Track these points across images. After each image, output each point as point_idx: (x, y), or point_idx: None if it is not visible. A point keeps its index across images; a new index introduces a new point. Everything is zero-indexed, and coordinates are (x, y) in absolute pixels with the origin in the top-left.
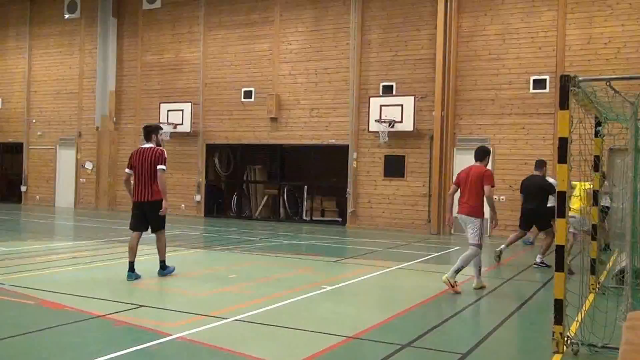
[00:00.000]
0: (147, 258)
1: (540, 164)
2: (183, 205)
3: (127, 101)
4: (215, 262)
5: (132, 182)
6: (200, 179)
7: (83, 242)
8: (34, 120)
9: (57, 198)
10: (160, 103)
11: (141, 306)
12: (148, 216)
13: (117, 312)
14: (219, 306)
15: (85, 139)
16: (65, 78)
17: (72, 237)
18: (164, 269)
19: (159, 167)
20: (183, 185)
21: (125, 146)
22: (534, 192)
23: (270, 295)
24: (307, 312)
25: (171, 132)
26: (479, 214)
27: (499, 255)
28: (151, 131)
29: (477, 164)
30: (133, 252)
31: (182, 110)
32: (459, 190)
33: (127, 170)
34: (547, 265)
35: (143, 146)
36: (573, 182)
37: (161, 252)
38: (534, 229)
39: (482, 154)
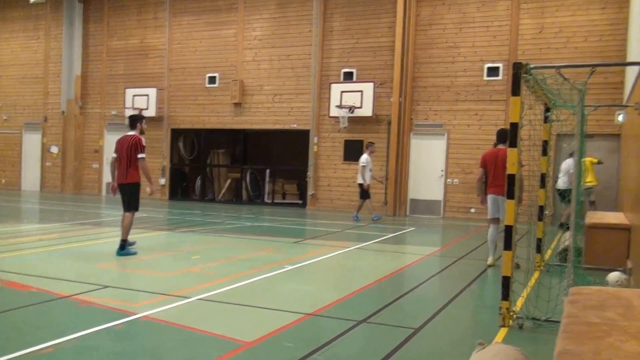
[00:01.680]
0: (114, 240)
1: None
2: (148, 189)
3: (93, 86)
4: (179, 243)
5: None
6: (165, 163)
7: (49, 225)
8: None
9: (23, 182)
10: (125, 88)
11: (106, 287)
12: (123, 196)
13: (82, 292)
14: (183, 286)
15: (50, 123)
16: (31, 62)
17: (38, 220)
18: (123, 249)
19: (139, 155)
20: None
21: (90, 130)
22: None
23: (233, 275)
24: (268, 290)
25: None
26: None
27: None
28: (136, 119)
29: (502, 145)
30: (126, 231)
31: (148, 95)
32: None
33: (113, 154)
34: None
35: (127, 134)
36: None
37: (125, 231)
38: None
39: (506, 136)
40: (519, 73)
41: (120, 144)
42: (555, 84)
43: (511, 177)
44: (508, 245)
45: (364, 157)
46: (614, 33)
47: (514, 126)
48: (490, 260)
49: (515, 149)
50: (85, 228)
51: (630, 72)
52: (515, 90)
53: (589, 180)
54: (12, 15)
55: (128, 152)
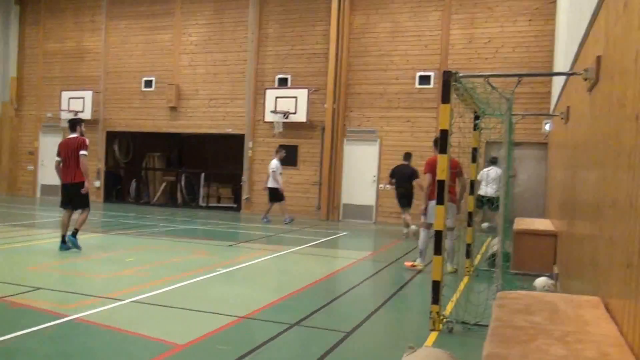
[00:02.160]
0: (48, 242)
1: (408, 156)
2: (82, 191)
3: (29, 88)
4: (113, 246)
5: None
6: (100, 165)
7: None
8: None
9: None
10: (61, 90)
11: (38, 289)
12: (71, 196)
13: (14, 294)
14: (116, 288)
15: None
16: None
17: None
18: (74, 237)
19: (81, 152)
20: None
21: (26, 132)
22: (405, 178)
23: (167, 278)
24: (201, 293)
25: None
26: None
27: (415, 233)
28: (76, 123)
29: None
30: (64, 227)
31: (84, 98)
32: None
33: (57, 158)
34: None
35: (69, 136)
36: None
37: (79, 223)
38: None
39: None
40: (449, 81)
41: (65, 146)
42: (484, 92)
43: (441, 183)
44: (438, 250)
45: (274, 163)
46: (540, 44)
47: (444, 133)
48: (450, 268)
49: (445, 156)
50: (17, 229)
51: (557, 83)
52: (446, 98)
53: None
54: None
55: (75, 154)
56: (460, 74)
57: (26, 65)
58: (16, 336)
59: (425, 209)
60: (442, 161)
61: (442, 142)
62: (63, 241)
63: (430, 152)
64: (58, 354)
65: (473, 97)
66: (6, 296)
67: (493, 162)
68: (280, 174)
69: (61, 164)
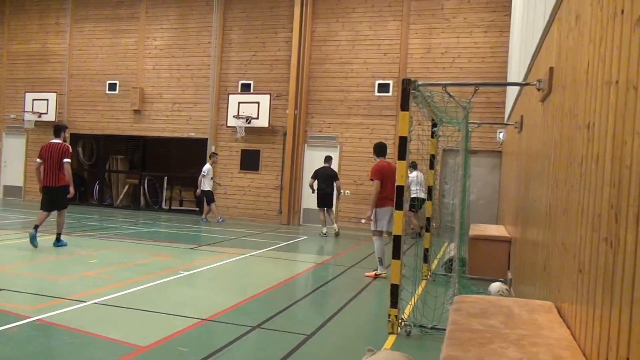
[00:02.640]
0: (10, 242)
1: (329, 159)
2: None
3: None
4: (76, 247)
5: (41, 170)
6: (35, 167)
7: None
8: None
9: None
10: (25, 92)
11: (0, 289)
12: (54, 198)
13: None
14: (78, 290)
15: None
16: None
17: None
18: (59, 241)
19: (65, 160)
20: None
21: None
22: (326, 179)
23: (129, 280)
24: (163, 295)
25: (35, 121)
26: None
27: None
28: (60, 129)
29: (382, 159)
30: (40, 221)
31: (48, 100)
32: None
33: (37, 160)
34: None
35: (52, 141)
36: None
37: (59, 226)
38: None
39: (385, 149)
40: (408, 89)
41: (48, 151)
42: (441, 101)
43: (400, 189)
44: (397, 254)
45: (206, 167)
46: (495, 56)
47: (404, 140)
48: (385, 274)
49: (404, 162)
50: None
51: (510, 93)
52: (405, 106)
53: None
54: None
55: (58, 159)
56: (419, 82)
57: None
58: None
59: (371, 216)
60: (401, 167)
61: (401, 148)
62: (35, 228)
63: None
64: (18, 355)
65: (431, 105)
66: None
67: (414, 166)
68: (212, 178)
69: (41, 167)
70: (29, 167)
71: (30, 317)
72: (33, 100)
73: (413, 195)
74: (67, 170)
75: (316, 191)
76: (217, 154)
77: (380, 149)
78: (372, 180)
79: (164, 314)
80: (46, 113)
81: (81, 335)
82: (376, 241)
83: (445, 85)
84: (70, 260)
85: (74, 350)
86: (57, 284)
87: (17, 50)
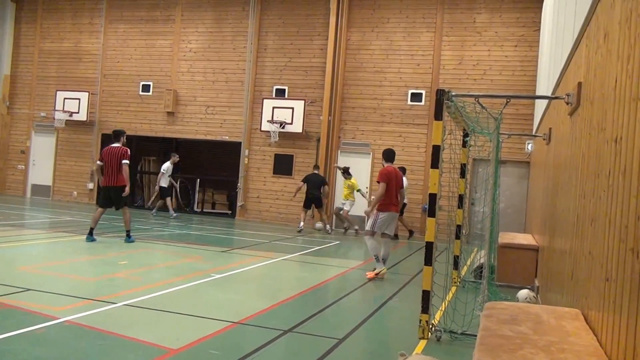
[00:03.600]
0: (40, 242)
1: (317, 167)
2: (75, 192)
3: (22, 86)
4: (106, 248)
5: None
6: (94, 167)
7: None
8: None
9: None
10: (56, 90)
11: (28, 289)
12: (113, 197)
13: (2, 295)
14: (108, 291)
15: None
16: None
17: None
18: (129, 237)
19: (123, 161)
20: (76, 173)
21: (17, 131)
22: (317, 184)
23: (160, 282)
24: (194, 298)
25: (67, 120)
26: None
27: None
28: (120, 134)
29: (390, 164)
30: (95, 221)
31: (79, 99)
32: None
33: (98, 162)
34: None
35: (112, 145)
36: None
37: (126, 224)
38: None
39: (393, 155)
40: (441, 99)
41: (109, 154)
42: (473, 112)
43: (432, 196)
44: (429, 261)
45: (166, 165)
46: (524, 69)
47: (436, 148)
48: (384, 270)
49: (437, 170)
50: (6, 230)
51: (539, 106)
52: (438, 115)
53: (346, 195)
54: None
55: (117, 161)
56: (452, 93)
57: (20, 64)
58: (4, 338)
59: (370, 212)
60: (434, 175)
61: (434, 157)
62: (90, 233)
63: (419, 166)
64: (46, 357)
65: (463, 115)
66: None
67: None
68: (170, 176)
69: (102, 168)
70: (58, 167)
71: (58, 318)
72: (64, 99)
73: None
74: (126, 171)
75: (306, 194)
76: (176, 155)
77: (388, 155)
78: (378, 182)
79: (195, 316)
80: (77, 112)
81: (111, 337)
82: (368, 240)
83: (477, 97)
84: (100, 261)
85: (103, 352)
86: (86, 284)
87: (50, 48)
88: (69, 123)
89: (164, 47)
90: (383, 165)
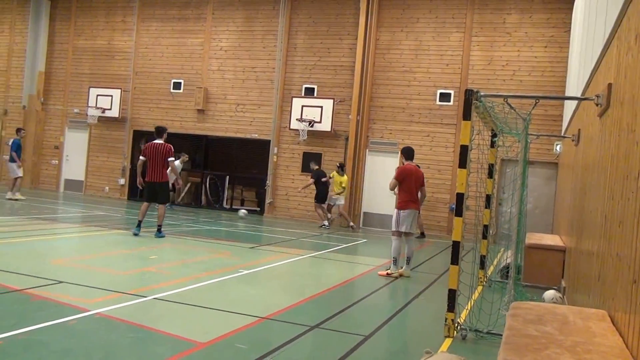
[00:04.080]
0: (72, 236)
1: (317, 162)
2: (107, 188)
3: (56, 83)
4: (136, 243)
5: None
6: (126, 163)
7: (2, 217)
8: None
9: None
10: (90, 87)
11: (61, 282)
12: (157, 192)
13: (35, 287)
14: (138, 285)
15: (11, 117)
16: None
17: None
18: (160, 232)
19: (169, 159)
20: (108, 168)
21: (51, 127)
22: (316, 182)
23: (189, 277)
24: (223, 293)
25: (99, 116)
26: None
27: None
28: (162, 131)
29: (409, 162)
30: (142, 214)
31: (112, 96)
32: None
33: (142, 157)
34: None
35: (155, 141)
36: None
37: (160, 218)
38: None
39: (413, 153)
40: (470, 99)
41: (153, 150)
42: (501, 112)
43: (460, 196)
44: (455, 260)
45: (175, 164)
46: (554, 70)
47: (464, 148)
48: (397, 273)
49: (464, 170)
50: (40, 223)
51: (568, 107)
52: (467, 115)
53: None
54: None
55: (162, 157)
56: (482, 93)
57: (55, 60)
58: (36, 329)
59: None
60: (461, 175)
61: (461, 157)
62: (138, 225)
63: (447, 166)
64: (77, 348)
65: (491, 115)
66: (27, 288)
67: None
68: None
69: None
70: (90, 162)
71: (89, 311)
72: (97, 95)
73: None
74: (173, 167)
75: (317, 190)
76: (186, 155)
77: (408, 153)
78: (395, 179)
79: (223, 311)
80: (110, 109)
81: (141, 329)
82: (394, 241)
83: (506, 97)
84: (131, 256)
85: (133, 344)
86: (117, 278)
87: (83, 45)
88: (101, 119)
89: (195, 46)
90: (402, 163)
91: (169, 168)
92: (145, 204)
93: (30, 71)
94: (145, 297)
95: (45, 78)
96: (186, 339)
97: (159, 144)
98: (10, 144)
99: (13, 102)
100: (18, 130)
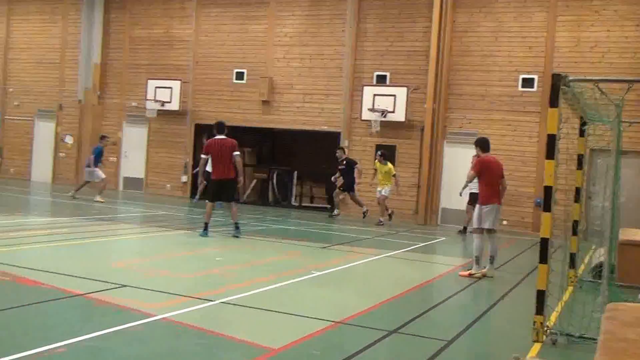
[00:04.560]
0: (133, 237)
1: (342, 151)
2: (168, 186)
3: (113, 75)
4: (200, 244)
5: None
6: (188, 159)
7: (61, 218)
8: (10, 90)
9: (33, 172)
10: (147, 79)
11: (124, 286)
12: (224, 190)
13: (98, 291)
14: (205, 288)
15: (66, 111)
16: (46, 47)
17: (49, 213)
18: (237, 229)
19: (235, 153)
20: (168, 165)
21: (108, 121)
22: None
23: (257, 279)
24: (294, 296)
25: (158, 110)
26: None
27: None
28: (224, 126)
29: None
30: (208, 216)
31: (171, 87)
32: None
33: (203, 155)
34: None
35: (219, 137)
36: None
37: (234, 216)
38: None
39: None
40: (557, 84)
41: (218, 146)
42: (591, 98)
43: (548, 189)
44: (544, 259)
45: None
46: None
47: (552, 138)
48: (480, 273)
49: (552, 161)
50: (100, 224)
51: None
52: (554, 102)
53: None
54: None
55: (228, 153)
56: (570, 78)
57: (110, 52)
58: (100, 335)
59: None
60: (549, 167)
61: (549, 147)
62: (205, 229)
63: (531, 157)
64: (143, 355)
65: (580, 101)
66: (90, 292)
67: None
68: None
69: (208, 162)
70: (150, 159)
71: (155, 315)
72: (155, 87)
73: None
74: (239, 163)
75: (347, 179)
76: (106, 137)
77: (484, 144)
78: (472, 170)
79: (295, 315)
80: (169, 102)
81: (209, 335)
82: (476, 239)
83: (597, 81)
84: (194, 257)
85: (202, 351)
86: (181, 281)
87: (140, 35)
88: (160, 113)
89: (258, 32)
90: (479, 156)
91: (236, 164)
92: (209, 204)
93: (85, 63)
94: (213, 300)
95: (101, 70)
96: (258, 344)
97: (223, 139)
98: (94, 149)
99: (68, 97)
100: (102, 137)
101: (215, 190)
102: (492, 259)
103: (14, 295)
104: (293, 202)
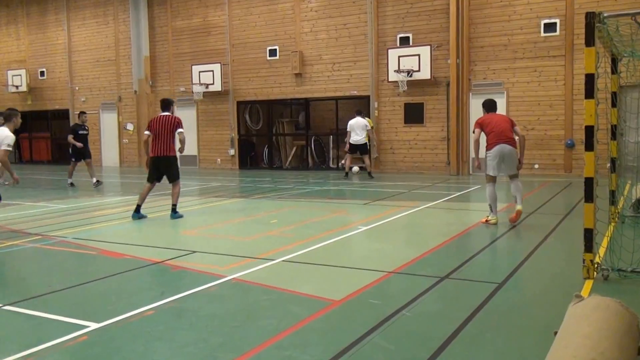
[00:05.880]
0: (193, 209)
1: (360, 112)
2: (219, 160)
3: (161, 65)
4: (255, 209)
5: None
6: (233, 134)
7: (132, 197)
8: (77, 88)
9: (104, 158)
10: (192, 65)
11: (194, 252)
12: (163, 168)
13: (172, 258)
14: (265, 249)
15: (125, 102)
16: (103, 46)
17: (121, 193)
18: (175, 212)
19: (179, 130)
20: (217, 141)
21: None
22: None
23: (311, 237)
24: (347, 251)
25: (204, 92)
26: None
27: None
28: (169, 103)
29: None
30: (142, 198)
31: (213, 70)
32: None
33: (146, 132)
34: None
35: (163, 114)
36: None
37: (175, 197)
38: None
39: (494, 106)
40: (592, 22)
41: (159, 123)
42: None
43: (589, 129)
44: (589, 197)
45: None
46: None
47: (590, 77)
48: (494, 220)
49: (592, 100)
50: (166, 198)
51: None
52: (589, 41)
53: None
54: (82, 3)
55: (170, 130)
56: (605, 14)
57: (157, 44)
58: (182, 296)
59: (479, 165)
60: (589, 106)
61: (588, 86)
62: (137, 210)
63: (559, 100)
64: (222, 312)
65: (614, 38)
66: (166, 260)
67: (358, 113)
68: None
69: (150, 138)
70: (200, 137)
71: (226, 277)
72: (199, 72)
73: (351, 141)
74: (184, 139)
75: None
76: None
77: (486, 104)
78: (473, 131)
79: (350, 268)
80: (212, 84)
81: (276, 291)
82: (487, 187)
83: (634, 15)
84: (252, 222)
85: (271, 306)
86: (244, 244)
87: (181, 26)
88: (206, 94)
89: (286, 10)
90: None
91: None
92: (148, 184)
93: (136, 57)
94: (274, 259)
95: (150, 62)
96: (320, 297)
97: (166, 116)
98: None
99: (125, 89)
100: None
101: (152, 168)
102: (515, 199)
103: (101, 267)
104: (331, 165)
